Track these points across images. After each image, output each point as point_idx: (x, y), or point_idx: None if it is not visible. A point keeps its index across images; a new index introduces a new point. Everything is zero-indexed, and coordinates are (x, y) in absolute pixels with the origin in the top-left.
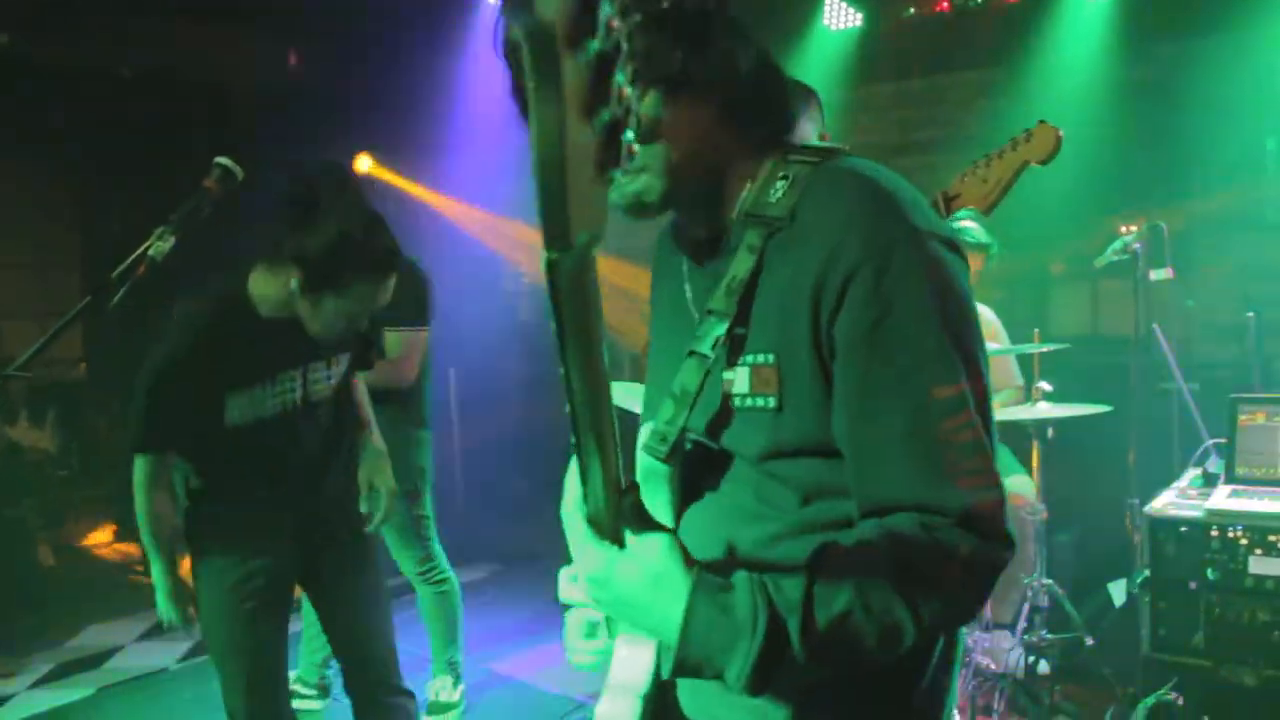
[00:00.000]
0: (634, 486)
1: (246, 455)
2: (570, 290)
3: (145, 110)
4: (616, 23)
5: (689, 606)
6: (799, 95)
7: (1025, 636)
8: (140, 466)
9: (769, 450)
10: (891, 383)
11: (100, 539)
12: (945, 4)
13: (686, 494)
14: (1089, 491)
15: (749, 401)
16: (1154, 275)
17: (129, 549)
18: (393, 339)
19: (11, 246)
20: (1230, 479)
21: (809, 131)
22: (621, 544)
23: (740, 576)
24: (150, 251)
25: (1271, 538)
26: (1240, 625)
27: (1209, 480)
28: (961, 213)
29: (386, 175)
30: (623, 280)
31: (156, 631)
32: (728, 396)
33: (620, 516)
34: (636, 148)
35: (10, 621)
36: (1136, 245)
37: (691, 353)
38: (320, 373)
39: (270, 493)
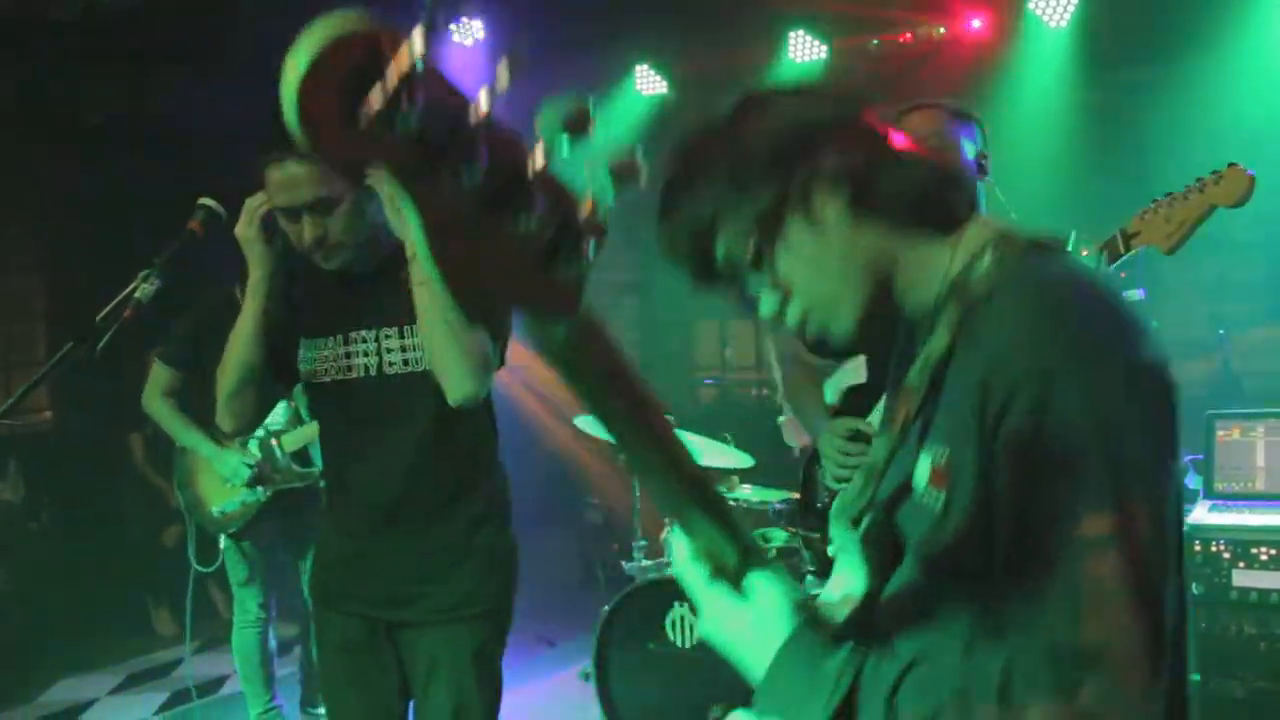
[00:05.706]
0: (757, 549)
1: (342, 426)
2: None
3: (109, 156)
4: None
5: (780, 652)
6: (960, 119)
7: None
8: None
9: (930, 556)
10: (1040, 516)
11: (71, 592)
12: (908, 35)
13: (881, 565)
14: None
15: (923, 499)
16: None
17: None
18: None
19: None
20: (1209, 494)
21: (968, 151)
22: (741, 591)
23: (848, 644)
24: (136, 294)
25: (1254, 550)
26: (1227, 638)
27: (1188, 496)
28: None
29: None
30: None
31: (130, 684)
32: (908, 482)
33: (745, 567)
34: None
35: None
36: (1108, 267)
37: (884, 425)
38: (393, 340)
39: (363, 488)
